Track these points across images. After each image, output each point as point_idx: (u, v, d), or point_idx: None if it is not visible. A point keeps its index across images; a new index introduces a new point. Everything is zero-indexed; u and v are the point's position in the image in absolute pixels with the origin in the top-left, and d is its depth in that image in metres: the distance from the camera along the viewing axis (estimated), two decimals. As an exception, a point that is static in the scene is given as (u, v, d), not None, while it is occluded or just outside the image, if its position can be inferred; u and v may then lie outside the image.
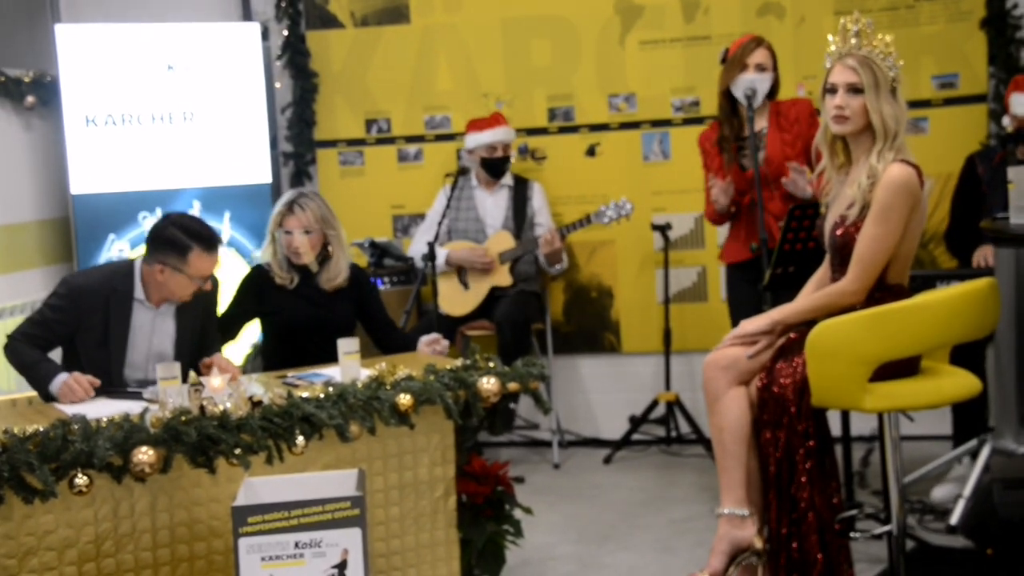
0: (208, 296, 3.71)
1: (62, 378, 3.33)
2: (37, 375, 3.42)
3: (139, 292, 3.55)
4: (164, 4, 5.47)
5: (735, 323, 4.22)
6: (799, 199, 4.12)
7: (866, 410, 3.17)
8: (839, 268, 3.25)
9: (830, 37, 3.28)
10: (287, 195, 4.03)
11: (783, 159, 4.16)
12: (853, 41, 3.21)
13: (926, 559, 3.82)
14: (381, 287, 5.07)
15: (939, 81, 5.15)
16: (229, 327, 4.01)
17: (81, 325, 3.50)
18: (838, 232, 3.22)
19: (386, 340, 4.07)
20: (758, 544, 3.22)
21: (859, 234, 3.15)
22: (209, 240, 3.52)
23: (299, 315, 3.94)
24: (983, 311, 3.23)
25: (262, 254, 4.08)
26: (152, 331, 3.58)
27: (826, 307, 3.20)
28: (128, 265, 3.59)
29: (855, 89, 3.17)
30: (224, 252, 5.13)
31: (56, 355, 3.60)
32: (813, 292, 3.38)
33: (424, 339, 3.89)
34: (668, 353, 5.31)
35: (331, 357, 3.50)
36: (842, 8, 5.17)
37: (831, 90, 3.22)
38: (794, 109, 4.29)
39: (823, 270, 3.40)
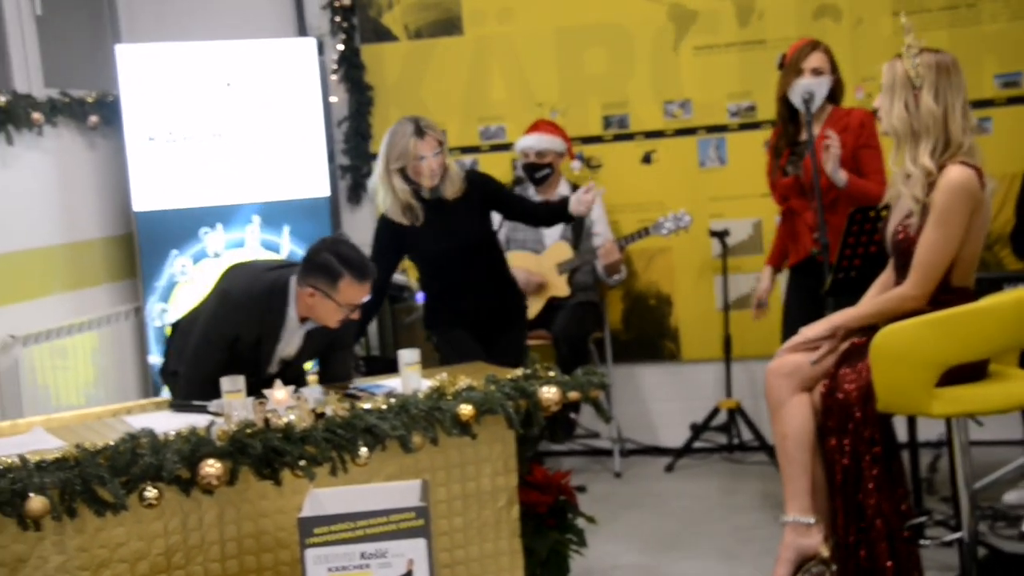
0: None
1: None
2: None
3: (292, 314, 3.56)
4: (221, 22, 5.56)
5: (788, 326, 4.21)
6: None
7: (933, 415, 3.11)
8: (901, 272, 3.21)
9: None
10: (402, 126, 4.13)
11: (822, 169, 4.10)
12: (905, 40, 3.20)
13: (998, 566, 3.74)
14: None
15: (1002, 80, 5.07)
16: (381, 287, 4.08)
17: (238, 336, 3.54)
18: (899, 236, 3.19)
19: (534, 215, 4.44)
20: (824, 552, 3.18)
21: (919, 238, 3.11)
22: (361, 269, 3.47)
23: (437, 248, 4.17)
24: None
25: (381, 204, 4.19)
26: (287, 345, 3.64)
27: (888, 312, 3.16)
28: (285, 283, 3.56)
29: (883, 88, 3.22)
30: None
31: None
32: (877, 296, 3.34)
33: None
34: (728, 360, 5.28)
35: (480, 274, 4.07)
36: (900, 7, 5.09)
37: None
38: (847, 118, 4.24)
39: (887, 274, 3.36)
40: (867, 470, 3.12)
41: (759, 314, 4.66)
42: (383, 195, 4.17)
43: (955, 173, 3.07)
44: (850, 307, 3.27)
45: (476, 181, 4.28)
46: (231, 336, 3.54)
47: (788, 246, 4.42)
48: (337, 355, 3.84)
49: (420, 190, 4.17)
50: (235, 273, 3.71)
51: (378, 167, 4.20)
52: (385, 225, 4.21)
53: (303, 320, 3.59)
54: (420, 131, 4.09)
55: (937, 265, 3.11)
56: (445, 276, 4.25)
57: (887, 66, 3.20)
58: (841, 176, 4.04)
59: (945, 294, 3.15)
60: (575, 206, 4.24)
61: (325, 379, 3.53)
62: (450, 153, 5.56)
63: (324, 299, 3.46)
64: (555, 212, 4.41)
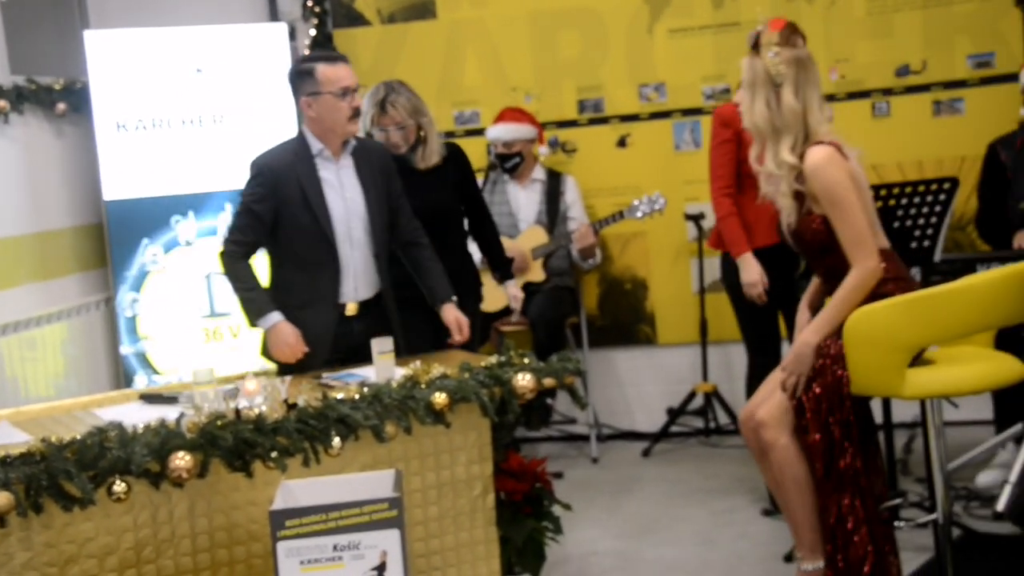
0: (382, 156, 3.79)
1: (274, 319, 3.51)
2: (250, 304, 3.56)
3: (315, 146, 3.61)
4: (191, 7, 5.49)
5: (746, 314, 4.19)
6: None
7: (905, 397, 3.12)
8: (817, 264, 3.25)
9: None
10: (376, 92, 4.13)
11: None
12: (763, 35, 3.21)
13: (973, 546, 3.76)
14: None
15: (974, 60, 5.07)
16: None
17: (280, 197, 3.55)
18: (791, 231, 3.23)
19: (479, 228, 4.37)
20: None
21: (836, 231, 3.10)
22: (327, 56, 3.68)
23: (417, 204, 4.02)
24: (1025, 294, 3.17)
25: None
26: (341, 185, 3.62)
27: (855, 299, 3.12)
28: (297, 132, 3.68)
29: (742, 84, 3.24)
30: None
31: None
32: (810, 300, 3.38)
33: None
34: (705, 344, 5.27)
35: (441, 245, 3.86)
36: (873, -11, 5.10)
37: None
38: None
39: (815, 284, 3.40)
40: (847, 457, 3.11)
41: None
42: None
43: (815, 154, 3.09)
44: (813, 324, 3.19)
45: (458, 160, 4.26)
46: (266, 194, 3.54)
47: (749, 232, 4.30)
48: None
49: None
50: None
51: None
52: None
53: (337, 153, 3.62)
54: (383, 105, 4.09)
55: (861, 232, 3.09)
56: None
57: (747, 62, 3.20)
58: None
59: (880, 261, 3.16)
60: (510, 299, 4.46)
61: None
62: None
63: (318, 99, 3.53)
64: (494, 259, 4.43)
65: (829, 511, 3.13)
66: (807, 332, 3.16)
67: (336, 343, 3.62)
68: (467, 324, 3.73)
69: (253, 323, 3.58)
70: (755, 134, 3.21)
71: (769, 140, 3.17)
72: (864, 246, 3.09)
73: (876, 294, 3.12)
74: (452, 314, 3.72)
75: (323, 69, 3.55)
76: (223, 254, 3.59)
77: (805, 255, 3.29)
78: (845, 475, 3.11)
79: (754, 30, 3.24)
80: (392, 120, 4.08)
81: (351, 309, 3.64)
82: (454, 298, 3.76)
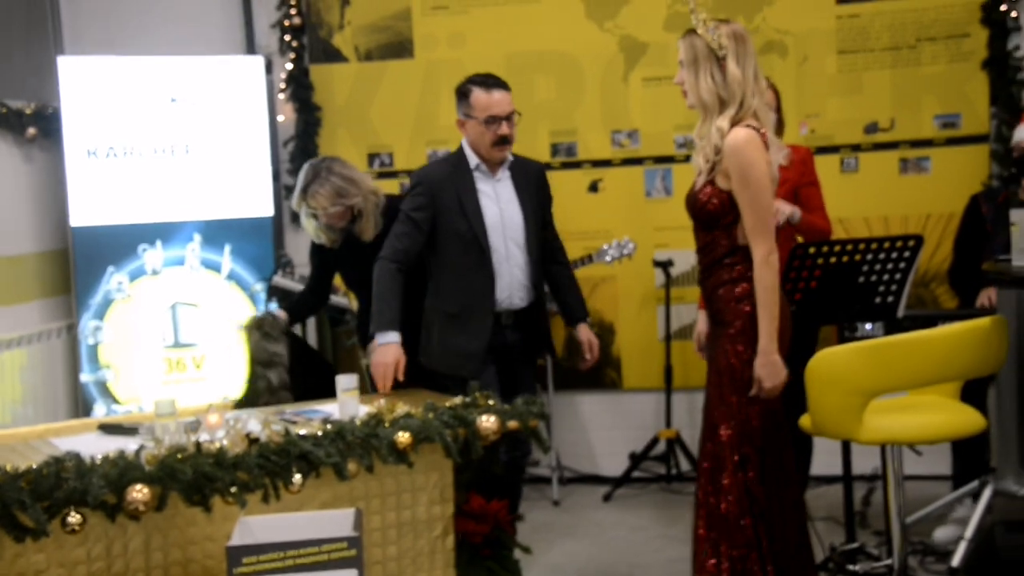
0: (539, 171, 3.97)
1: (391, 338, 3.63)
2: (379, 316, 3.67)
3: (472, 160, 3.81)
4: (168, 37, 5.49)
5: None
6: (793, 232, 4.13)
7: (862, 441, 3.16)
8: (698, 235, 3.24)
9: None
10: (303, 175, 4.05)
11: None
12: (693, 18, 3.19)
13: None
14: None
15: (941, 121, 5.15)
16: (320, 292, 4.28)
17: (438, 206, 3.76)
18: (689, 194, 3.23)
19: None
20: None
21: (742, 212, 3.09)
22: (484, 81, 3.81)
23: (354, 275, 4.15)
24: (986, 349, 3.21)
25: (305, 224, 4.12)
26: (497, 197, 3.80)
27: (769, 283, 3.07)
28: (459, 146, 3.88)
29: (683, 65, 3.20)
30: (218, 281, 5.15)
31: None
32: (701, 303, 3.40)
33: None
34: (669, 390, 5.29)
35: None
36: (845, 47, 5.19)
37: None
38: (798, 155, 4.27)
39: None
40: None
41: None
42: (303, 217, 4.10)
43: (738, 133, 3.08)
44: (760, 337, 3.12)
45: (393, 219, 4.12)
46: (425, 203, 3.74)
47: None
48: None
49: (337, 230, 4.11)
50: None
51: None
52: (313, 241, 4.23)
53: (494, 170, 3.82)
54: (305, 191, 3.99)
55: (765, 218, 3.08)
56: (364, 303, 4.14)
57: (684, 42, 3.17)
58: (797, 214, 4.08)
59: (734, 254, 3.14)
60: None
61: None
62: (395, 176, 5.59)
63: (469, 121, 3.77)
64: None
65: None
66: (763, 343, 3.10)
67: (490, 351, 3.76)
68: (597, 345, 4.01)
69: (373, 332, 3.69)
70: (700, 110, 3.17)
71: (712, 113, 3.15)
72: (762, 232, 3.07)
73: (735, 294, 3.11)
74: (586, 334, 3.99)
75: (476, 93, 3.77)
76: (379, 261, 3.74)
77: (693, 222, 3.26)
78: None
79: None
80: (314, 207, 3.99)
81: (506, 318, 3.80)
82: (588, 319, 4.03)
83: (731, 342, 3.13)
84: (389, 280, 3.70)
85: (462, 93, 3.81)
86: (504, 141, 3.76)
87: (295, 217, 5.58)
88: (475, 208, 3.76)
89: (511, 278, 3.80)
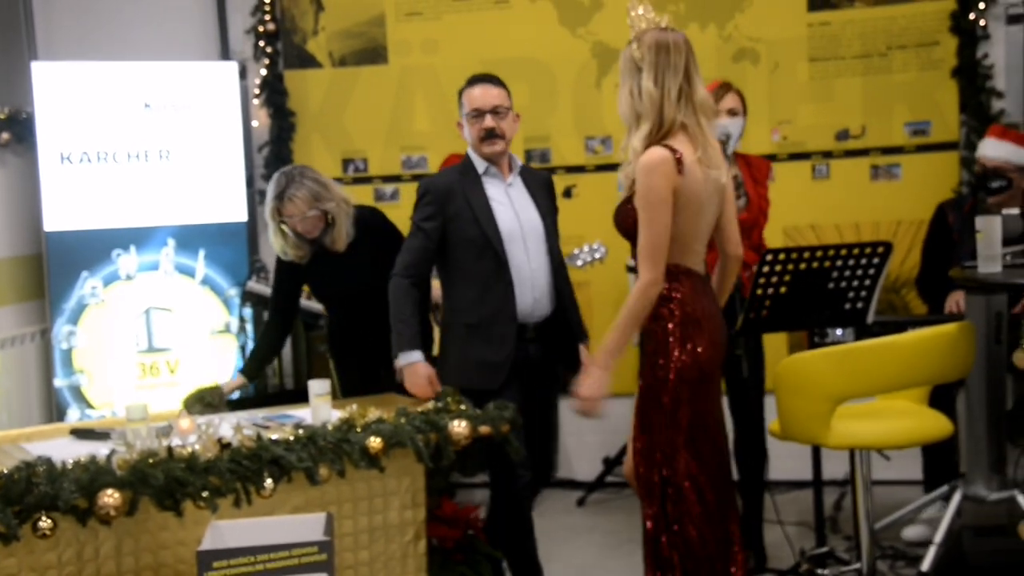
0: (545, 176, 3.89)
1: (413, 358, 3.55)
2: (398, 337, 3.59)
3: (480, 165, 3.68)
4: (142, 43, 5.48)
5: None
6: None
7: (830, 446, 3.20)
8: (633, 249, 3.15)
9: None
10: (275, 184, 3.92)
11: (759, 209, 4.18)
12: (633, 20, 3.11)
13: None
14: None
15: (911, 128, 5.21)
16: (287, 311, 4.09)
17: (447, 214, 3.62)
18: (615, 210, 3.17)
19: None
20: None
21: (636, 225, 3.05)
22: (472, 78, 3.75)
23: (325, 291, 4.06)
24: (954, 354, 3.26)
25: (272, 241, 3.97)
26: (511, 202, 3.68)
27: (639, 310, 3.03)
28: (465, 154, 3.76)
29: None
30: (191, 285, 5.14)
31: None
32: None
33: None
34: (642, 395, 5.30)
35: (366, 318, 3.83)
36: (816, 54, 5.23)
37: None
38: (765, 166, 4.30)
39: None
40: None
41: None
42: (271, 234, 3.96)
43: (649, 155, 2.97)
44: (603, 346, 3.13)
45: (371, 227, 4.02)
46: (434, 212, 3.62)
47: None
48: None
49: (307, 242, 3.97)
50: None
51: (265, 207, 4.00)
52: (279, 259, 4.05)
53: (504, 172, 3.70)
54: (281, 197, 3.86)
55: (657, 246, 2.99)
56: (335, 313, 4.12)
57: (623, 52, 3.08)
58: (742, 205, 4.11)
59: (673, 279, 3.07)
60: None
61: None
62: (370, 182, 5.60)
63: (465, 120, 3.68)
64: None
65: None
66: (600, 357, 3.11)
67: (512, 366, 3.60)
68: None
69: (395, 354, 3.60)
70: (624, 123, 3.10)
71: (629, 127, 3.07)
72: (649, 260, 3.00)
73: (654, 313, 3.06)
74: (586, 358, 3.69)
75: (466, 91, 3.72)
76: (392, 278, 3.63)
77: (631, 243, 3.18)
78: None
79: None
80: (292, 212, 3.86)
81: (531, 331, 3.65)
82: (587, 341, 3.84)
83: (651, 359, 3.09)
84: (403, 297, 3.60)
85: (459, 94, 3.75)
86: (490, 135, 3.63)
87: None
88: (487, 213, 3.62)
89: (535, 285, 3.65)
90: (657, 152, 2.98)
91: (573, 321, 3.80)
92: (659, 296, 3.04)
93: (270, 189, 3.95)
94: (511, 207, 3.67)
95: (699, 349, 3.04)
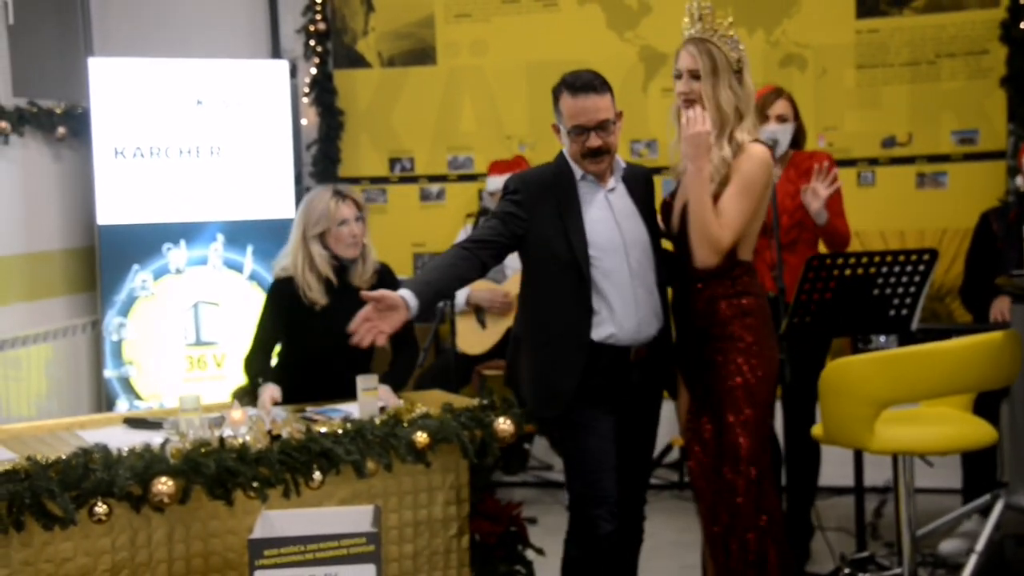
0: (648, 176, 3.40)
1: (405, 294, 2.98)
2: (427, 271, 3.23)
3: (577, 171, 3.23)
4: (195, 40, 5.57)
5: None
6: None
7: (872, 450, 3.21)
8: (689, 246, 3.16)
9: (686, 20, 3.22)
10: (320, 192, 3.78)
11: (783, 210, 4.16)
12: (698, 25, 3.17)
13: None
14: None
15: (959, 136, 5.19)
16: (266, 352, 3.75)
17: (535, 217, 3.19)
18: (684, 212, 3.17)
19: (393, 358, 3.84)
20: None
21: (721, 200, 3.08)
22: (573, 82, 3.21)
23: (330, 338, 3.36)
24: (1000, 362, 3.25)
25: (288, 265, 3.72)
26: (612, 212, 3.21)
27: (705, 213, 3.06)
28: (559, 154, 3.32)
29: (696, 76, 3.14)
30: (245, 282, 5.22)
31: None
32: None
33: None
34: (683, 398, 5.31)
35: (347, 390, 3.37)
36: (864, 61, 5.23)
37: (678, 75, 3.21)
38: (808, 161, 4.31)
39: None
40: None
41: None
42: (292, 255, 3.72)
43: (759, 148, 3.12)
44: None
45: (386, 281, 3.72)
46: (518, 212, 3.19)
47: None
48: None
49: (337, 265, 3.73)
50: None
51: (293, 236, 3.74)
52: (285, 288, 3.71)
53: (603, 179, 3.24)
54: (340, 194, 3.72)
55: (739, 228, 3.08)
56: (313, 382, 3.70)
57: (698, 51, 3.12)
58: (824, 215, 4.12)
59: (735, 268, 3.15)
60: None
61: None
62: (416, 182, 5.66)
63: (565, 132, 3.21)
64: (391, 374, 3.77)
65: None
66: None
67: (608, 396, 3.21)
68: None
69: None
70: (719, 121, 3.13)
71: (729, 125, 3.13)
72: (732, 227, 3.07)
73: (744, 309, 3.13)
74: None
75: (564, 98, 3.21)
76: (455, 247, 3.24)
77: (687, 235, 3.17)
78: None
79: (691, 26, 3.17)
80: (352, 207, 3.69)
81: (635, 354, 3.22)
82: None
83: (743, 357, 3.14)
84: (441, 256, 3.21)
85: (554, 96, 3.25)
86: (595, 154, 3.16)
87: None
88: (578, 227, 3.16)
89: (639, 304, 3.18)
90: (765, 149, 3.14)
91: (671, 339, 3.35)
92: (744, 289, 3.15)
93: (308, 203, 3.76)
94: (612, 218, 3.20)
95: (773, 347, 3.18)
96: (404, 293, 2.98)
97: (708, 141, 3.09)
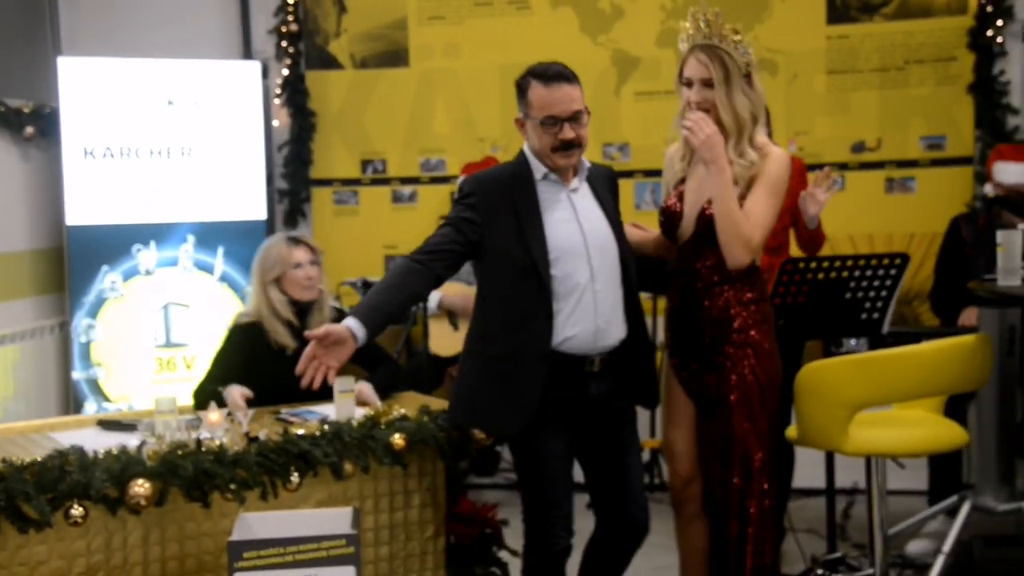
0: (611, 175, 3.27)
1: (350, 322, 2.84)
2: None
3: (539, 170, 3.06)
4: (166, 40, 5.53)
5: None
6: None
7: (847, 452, 3.24)
8: (705, 248, 3.14)
9: (685, 24, 3.16)
10: (274, 239, 3.86)
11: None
12: (704, 31, 3.13)
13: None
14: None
15: (927, 142, 5.26)
16: (218, 387, 3.57)
17: (492, 222, 3.02)
18: (708, 212, 3.12)
19: (375, 371, 3.77)
20: None
21: (748, 201, 3.07)
22: (544, 72, 3.03)
23: (298, 380, 2.92)
24: (971, 365, 3.29)
25: (253, 311, 3.75)
26: (575, 212, 3.06)
27: (733, 211, 3.04)
28: (519, 152, 3.15)
29: (708, 84, 3.11)
30: (212, 283, 5.19)
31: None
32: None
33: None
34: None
35: None
36: (834, 67, 5.28)
37: (687, 83, 3.17)
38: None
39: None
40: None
41: None
42: (255, 302, 3.73)
43: (783, 152, 3.16)
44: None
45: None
46: (473, 217, 3.02)
47: None
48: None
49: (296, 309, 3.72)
50: None
51: (253, 286, 3.77)
52: (253, 331, 3.69)
53: (566, 178, 3.08)
54: (293, 239, 3.76)
55: (768, 227, 3.11)
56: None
57: (712, 61, 3.08)
58: (817, 220, 4.13)
59: (754, 272, 3.16)
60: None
61: None
62: (388, 184, 5.65)
63: (528, 121, 3.04)
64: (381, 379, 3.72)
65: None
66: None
67: (564, 411, 3.05)
68: None
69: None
70: (733, 126, 3.11)
71: (747, 130, 3.12)
72: (762, 230, 3.08)
73: (762, 315, 3.16)
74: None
75: (534, 88, 3.02)
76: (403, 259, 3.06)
77: (696, 239, 3.16)
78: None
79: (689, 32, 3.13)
80: (306, 251, 3.72)
81: (594, 364, 3.05)
82: None
83: (757, 358, 3.15)
84: (391, 271, 3.05)
85: (520, 88, 3.06)
86: (567, 147, 3.00)
87: (288, 220, 5.65)
88: (537, 230, 3.00)
89: (599, 310, 3.01)
90: (785, 152, 3.18)
91: (646, 347, 3.23)
92: (759, 294, 3.17)
93: (262, 252, 3.78)
94: (574, 218, 3.05)
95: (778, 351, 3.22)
96: (350, 323, 2.83)
97: (722, 141, 3.09)
